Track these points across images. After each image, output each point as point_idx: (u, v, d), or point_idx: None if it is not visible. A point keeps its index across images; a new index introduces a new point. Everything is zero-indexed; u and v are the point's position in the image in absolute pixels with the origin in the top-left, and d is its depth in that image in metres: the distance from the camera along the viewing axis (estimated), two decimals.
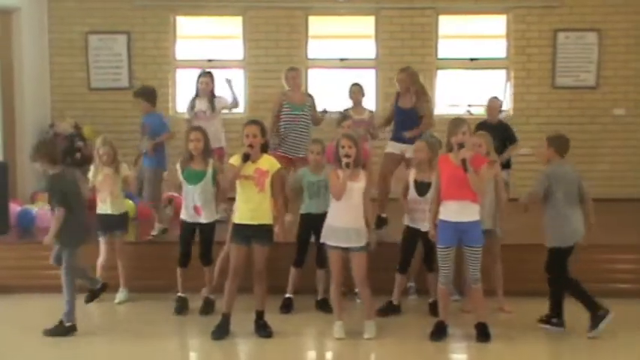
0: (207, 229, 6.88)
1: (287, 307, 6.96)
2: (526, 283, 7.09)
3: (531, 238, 7.00)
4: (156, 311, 6.95)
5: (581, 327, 6.42)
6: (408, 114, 8.09)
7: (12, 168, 9.07)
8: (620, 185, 10.43)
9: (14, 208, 8.51)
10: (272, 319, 6.41)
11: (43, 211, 8.45)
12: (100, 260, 7.24)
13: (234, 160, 6.13)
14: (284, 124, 8.27)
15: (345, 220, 6.13)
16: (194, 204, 6.78)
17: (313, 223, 6.73)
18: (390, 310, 6.85)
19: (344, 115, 7.93)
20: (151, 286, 7.36)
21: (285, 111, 8.27)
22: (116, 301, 7.21)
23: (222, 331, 6.20)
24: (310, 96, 8.56)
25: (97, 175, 7.18)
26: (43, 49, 10.95)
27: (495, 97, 9.11)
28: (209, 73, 8.78)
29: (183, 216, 6.90)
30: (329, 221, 6.24)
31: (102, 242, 7.28)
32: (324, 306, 6.90)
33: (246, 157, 6.03)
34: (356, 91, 8.67)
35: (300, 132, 8.27)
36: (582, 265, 6.63)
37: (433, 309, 6.60)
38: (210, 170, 6.78)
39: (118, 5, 11.06)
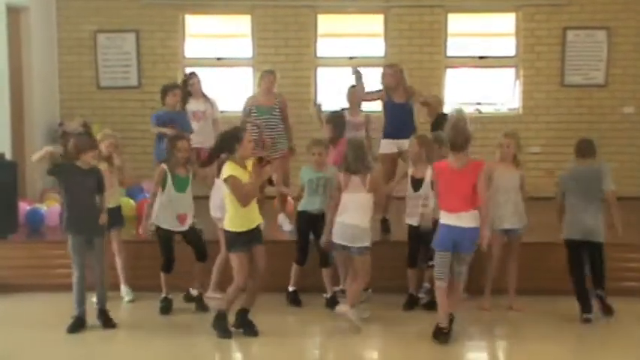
0: (192, 232, 6.89)
1: (295, 300, 6.99)
2: (540, 282, 7.11)
3: (545, 237, 6.98)
4: (156, 311, 6.89)
5: (590, 326, 6.42)
6: (403, 107, 8.16)
7: (21, 167, 9.07)
8: (630, 184, 10.34)
9: (23, 207, 8.52)
10: (277, 317, 6.42)
11: (52, 209, 8.47)
12: None
13: (239, 173, 6.00)
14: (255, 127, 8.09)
15: (351, 219, 6.25)
16: (178, 212, 6.73)
17: (311, 222, 6.79)
18: (412, 303, 6.92)
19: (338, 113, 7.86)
20: (146, 286, 7.22)
21: (254, 115, 8.17)
22: (126, 299, 7.20)
23: (222, 330, 6.16)
24: (279, 96, 8.38)
25: None
26: (51, 48, 10.97)
27: None
28: (194, 73, 8.88)
29: (162, 224, 6.77)
30: (338, 218, 6.34)
31: None
32: (333, 304, 6.86)
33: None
34: (353, 93, 8.59)
35: (272, 133, 8.19)
36: None
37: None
38: (190, 176, 6.80)
39: (126, 4, 11.05)
